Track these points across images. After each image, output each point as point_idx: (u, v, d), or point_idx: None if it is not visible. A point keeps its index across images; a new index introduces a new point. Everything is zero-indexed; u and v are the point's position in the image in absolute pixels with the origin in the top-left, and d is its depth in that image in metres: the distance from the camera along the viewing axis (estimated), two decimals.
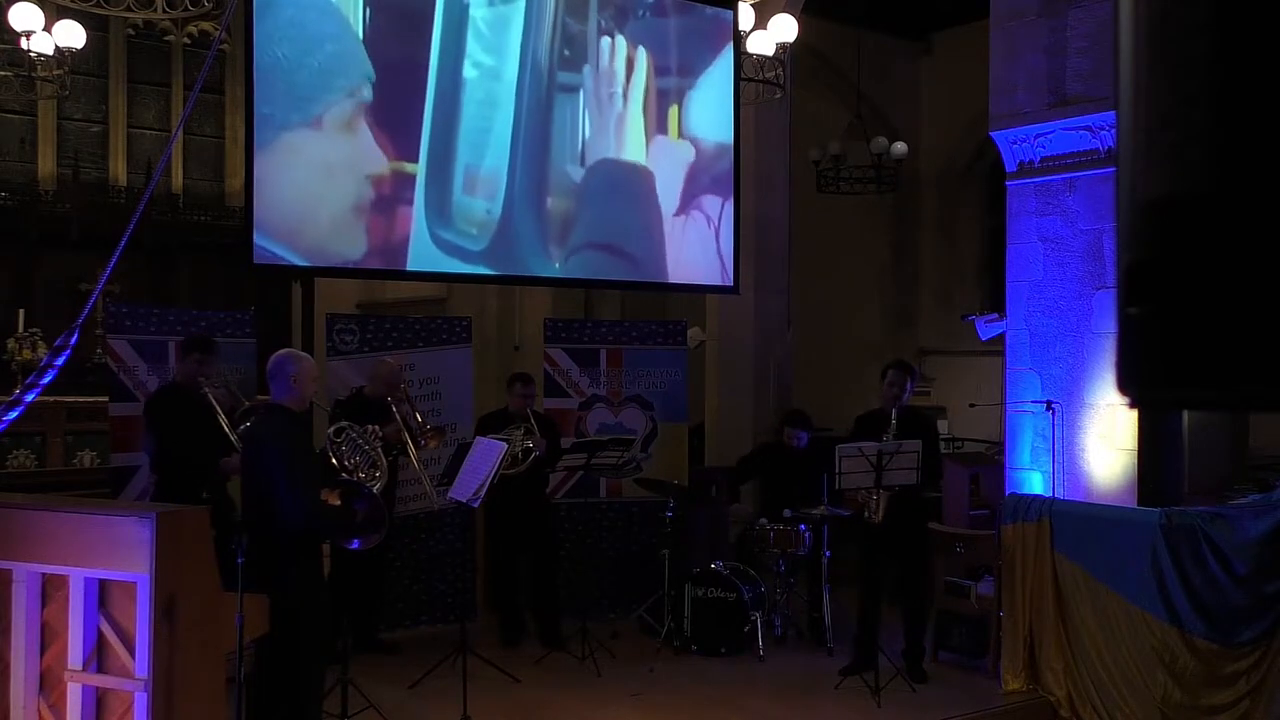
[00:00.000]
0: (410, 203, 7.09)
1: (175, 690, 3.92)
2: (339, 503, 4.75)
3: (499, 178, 7.40)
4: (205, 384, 6.02)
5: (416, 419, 6.51)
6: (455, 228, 7.25)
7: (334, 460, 5.14)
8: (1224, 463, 6.72)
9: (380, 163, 6.98)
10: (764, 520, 7.32)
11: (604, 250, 7.86)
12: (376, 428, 5.59)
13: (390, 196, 7.04)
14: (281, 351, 4.91)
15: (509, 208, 7.43)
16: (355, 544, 4.92)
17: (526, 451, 6.88)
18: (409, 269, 7.33)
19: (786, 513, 7.12)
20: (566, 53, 7.65)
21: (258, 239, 6.54)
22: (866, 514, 6.32)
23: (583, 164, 7.75)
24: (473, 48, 7.31)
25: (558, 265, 7.70)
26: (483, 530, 7.60)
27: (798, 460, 7.45)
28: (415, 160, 7.10)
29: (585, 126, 7.76)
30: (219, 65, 12.41)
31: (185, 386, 6.12)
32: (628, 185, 7.94)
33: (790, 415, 7.88)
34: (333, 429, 5.30)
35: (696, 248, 8.25)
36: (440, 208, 7.19)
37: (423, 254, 7.15)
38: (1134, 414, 6.12)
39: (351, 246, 6.95)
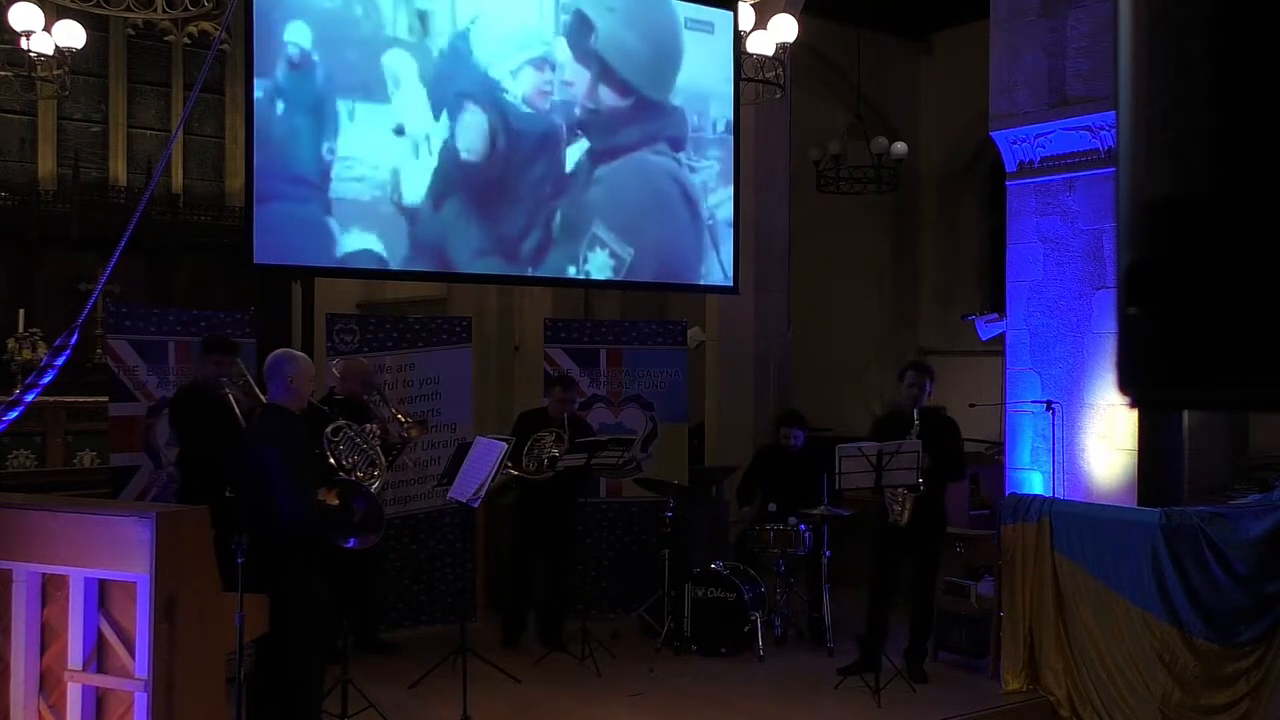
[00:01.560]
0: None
1: (175, 690, 3.92)
2: (337, 502, 4.75)
3: (511, 173, 7.45)
4: (226, 385, 5.99)
5: (396, 414, 6.47)
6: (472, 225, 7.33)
7: (331, 460, 5.14)
8: (1224, 463, 6.72)
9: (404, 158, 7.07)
10: (773, 506, 7.32)
11: (617, 252, 7.86)
12: (375, 426, 5.58)
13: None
14: (278, 351, 4.90)
15: (524, 203, 7.50)
16: (352, 543, 4.92)
17: (554, 459, 6.88)
18: (413, 269, 7.34)
19: (791, 520, 7.11)
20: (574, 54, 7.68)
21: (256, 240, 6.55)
22: (891, 517, 6.29)
23: (597, 163, 7.75)
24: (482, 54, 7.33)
25: (572, 268, 7.74)
26: (483, 530, 7.60)
27: (795, 460, 7.46)
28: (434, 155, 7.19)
29: (599, 125, 7.80)
30: (219, 65, 12.40)
31: (205, 386, 6.08)
32: (641, 185, 7.93)
33: (785, 416, 7.88)
34: (330, 428, 5.30)
35: (696, 247, 8.25)
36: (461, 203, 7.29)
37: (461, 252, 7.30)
38: (1134, 414, 6.13)
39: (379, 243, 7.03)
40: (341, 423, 5.31)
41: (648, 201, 8.01)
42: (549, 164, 7.65)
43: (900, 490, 6.18)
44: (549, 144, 7.65)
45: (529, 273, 7.76)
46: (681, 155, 8.10)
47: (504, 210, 7.47)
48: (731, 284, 8.46)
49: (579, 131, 7.73)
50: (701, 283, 8.52)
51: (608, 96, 7.83)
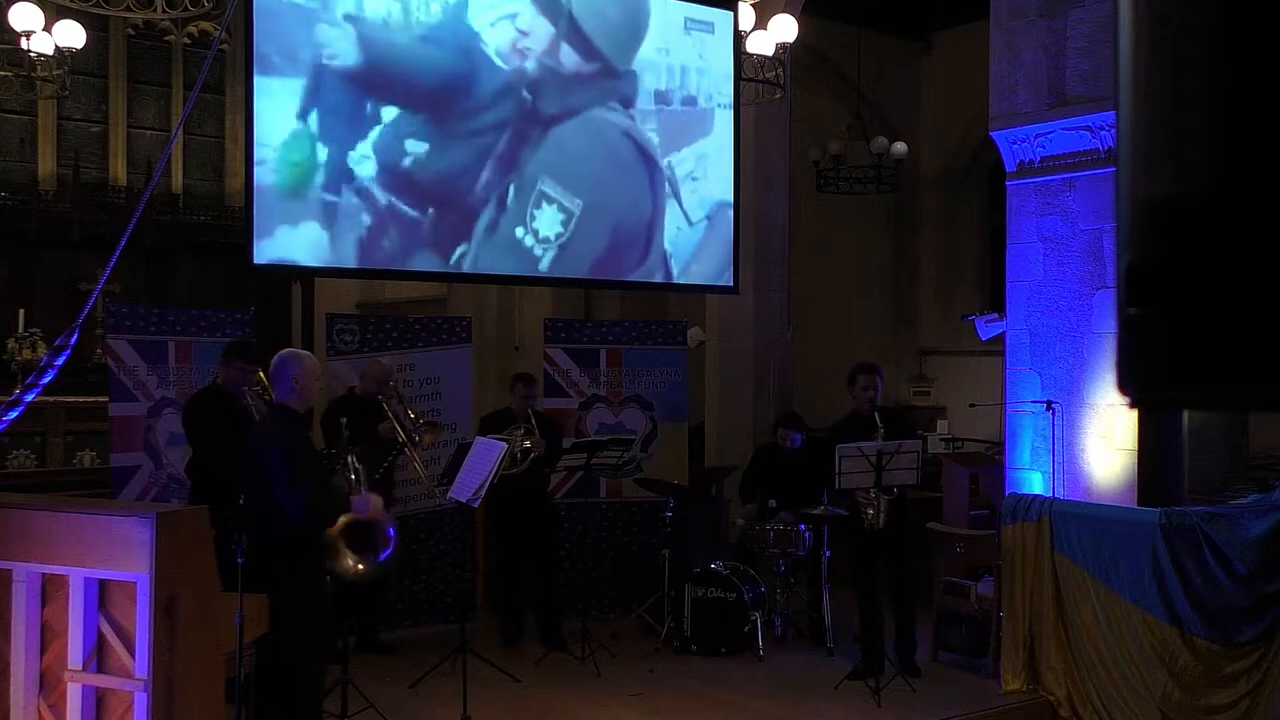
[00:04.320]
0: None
1: (175, 690, 3.92)
2: (359, 563, 4.81)
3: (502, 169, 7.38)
4: (248, 392, 5.83)
5: (410, 415, 6.48)
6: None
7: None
8: (1224, 463, 6.71)
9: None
10: (773, 502, 7.33)
11: (565, 205, 7.53)
12: (354, 460, 5.43)
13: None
14: (283, 351, 4.92)
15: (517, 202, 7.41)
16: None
17: (525, 452, 6.89)
18: (413, 269, 7.30)
19: (773, 503, 7.16)
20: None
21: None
22: (866, 521, 6.30)
23: (550, 125, 7.56)
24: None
25: (520, 229, 7.36)
26: (483, 530, 7.60)
27: (793, 461, 7.45)
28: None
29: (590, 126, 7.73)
30: (219, 65, 12.41)
31: (226, 391, 5.89)
32: (592, 141, 7.69)
33: (784, 417, 7.88)
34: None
35: (696, 247, 8.23)
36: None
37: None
38: (1134, 414, 6.12)
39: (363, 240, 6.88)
40: (334, 451, 5.32)
41: (599, 157, 7.66)
42: (501, 134, 7.30)
43: (872, 492, 6.19)
44: (502, 112, 7.30)
45: (482, 252, 7.31)
46: (634, 111, 7.81)
47: (458, 193, 7.18)
48: (731, 284, 8.45)
49: (531, 94, 7.39)
50: (701, 283, 8.49)
51: (569, 57, 7.51)
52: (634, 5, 7.94)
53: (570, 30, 7.55)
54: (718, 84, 8.19)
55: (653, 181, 7.94)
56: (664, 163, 7.99)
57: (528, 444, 6.91)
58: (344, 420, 5.41)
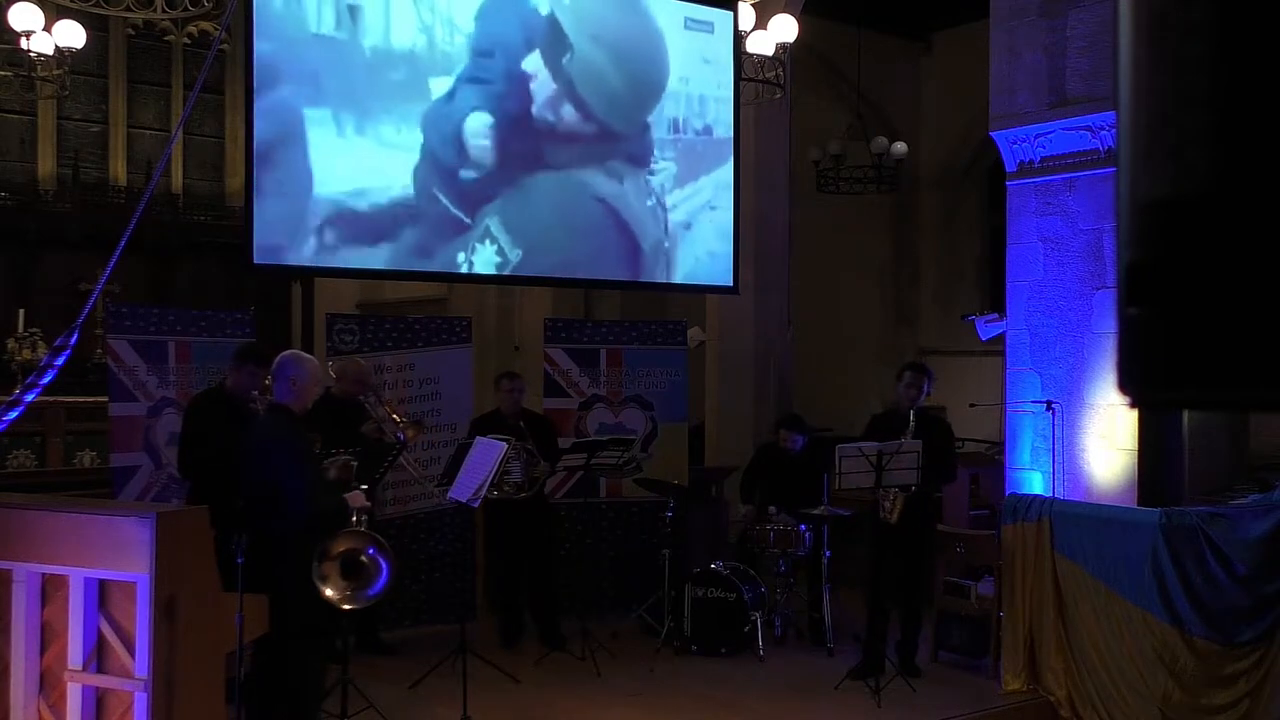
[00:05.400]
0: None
1: (175, 690, 3.92)
2: (346, 590, 4.80)
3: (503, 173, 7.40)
4: (258, 398, 5.82)
5: (392, 414, 6.41)
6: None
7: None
8: (1224, 463, 6.71)
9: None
10: (774, 509, 7.33)
11: (504, 249, 7.54)
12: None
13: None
14: (286, 353, 4.93)
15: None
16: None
17: (533, 480, 6.90)
18: (413, 269, 7.29)
19: (773, 509, 7.15)
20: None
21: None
22: (881, 514, 6.31)
23: (529, 171, 7.59)
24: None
25: (461, 255, 7.40)
26: (483, 530, 7.60)
27: (794, 463, 7.45)
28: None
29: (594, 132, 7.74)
30: (219, 65, 12.41)
31: (234, 396, 5.76)
32: (560, 201, 7.68)
33: (785, 419, 7.87)
34: None
35: (697, 247, 8.25)
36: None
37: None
38: (1134, 414, 6.13)
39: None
40: (332, 452, 5.31)
41: (563, 218, 7.66)
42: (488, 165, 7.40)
43: (892, 489, 6.20)
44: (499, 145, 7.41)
45: (425, 266, 7.40)
46: (641, 171, 7.87)
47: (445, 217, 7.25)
48: (731, 284, 8.46)
49: (525, 135, 7.49)
50: (701, 283, 8.51)
51: (569, 115, 7.59)
52: (642, 68, 7.92)
53: (569, 91, 7.60)
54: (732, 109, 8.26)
55: (632, 253, 7.96)
56: (666, 210, 8.00)
57: (535, 475, 6.93)
58: (356, 449, 5.41)
